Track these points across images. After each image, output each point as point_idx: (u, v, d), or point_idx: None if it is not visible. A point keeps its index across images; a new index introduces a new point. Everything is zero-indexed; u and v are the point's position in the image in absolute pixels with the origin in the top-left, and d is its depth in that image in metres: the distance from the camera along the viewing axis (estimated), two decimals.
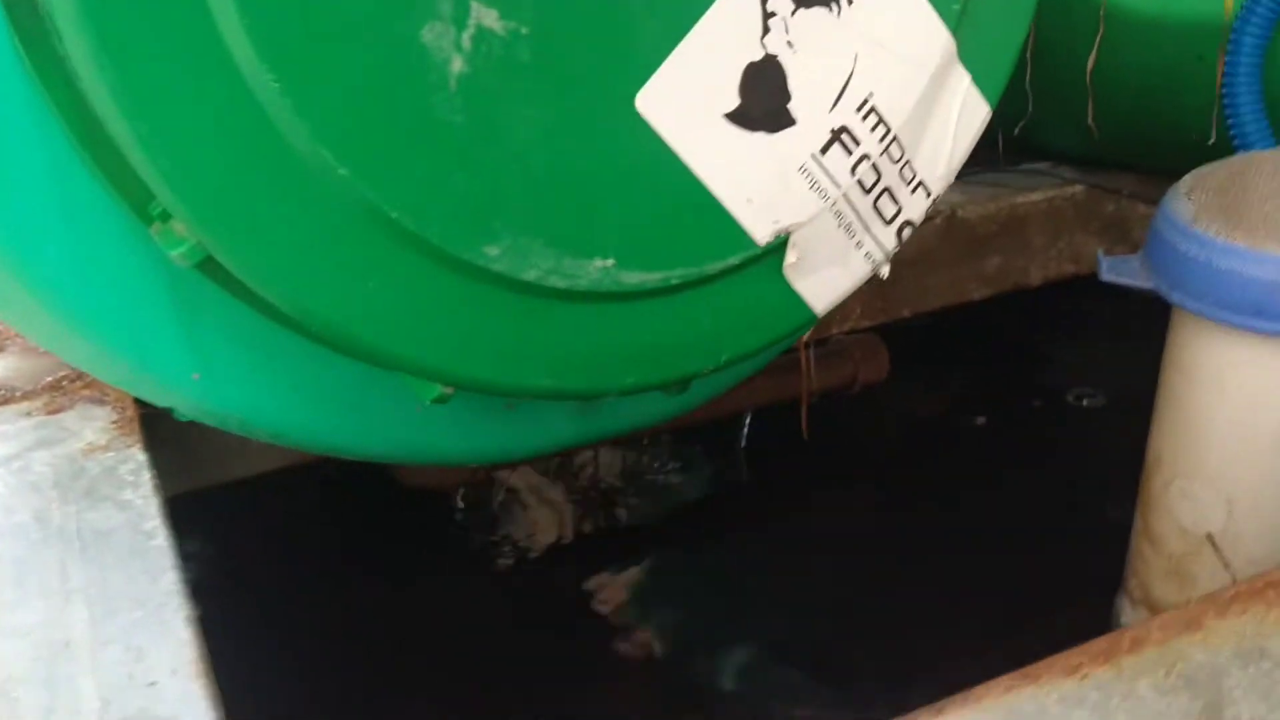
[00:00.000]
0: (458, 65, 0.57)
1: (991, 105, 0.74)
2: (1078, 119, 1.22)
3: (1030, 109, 1.22)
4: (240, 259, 0.56)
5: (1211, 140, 1.15)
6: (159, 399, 0.70)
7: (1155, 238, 0.94)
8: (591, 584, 1.32)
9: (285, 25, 0.52)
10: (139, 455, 0.80)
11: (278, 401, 0.68)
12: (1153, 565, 1.04)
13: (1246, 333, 0.89)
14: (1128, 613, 1.09)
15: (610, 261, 0.63)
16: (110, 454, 0.81)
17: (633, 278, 0.64)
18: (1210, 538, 0.98)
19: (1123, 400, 1.57)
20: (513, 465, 1.38)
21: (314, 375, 0.68)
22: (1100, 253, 0.98)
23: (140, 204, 0.59)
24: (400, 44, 0.55)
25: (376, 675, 1.19)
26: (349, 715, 1.14)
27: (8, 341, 0.99)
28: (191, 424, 0.97)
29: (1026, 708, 0.54)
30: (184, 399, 0.68)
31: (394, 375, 0.64)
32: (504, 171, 0.59)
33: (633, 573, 1.33)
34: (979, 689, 0.56)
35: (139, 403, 0.89)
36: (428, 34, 0.55)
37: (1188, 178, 0.95)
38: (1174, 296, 0.92)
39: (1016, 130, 1.26)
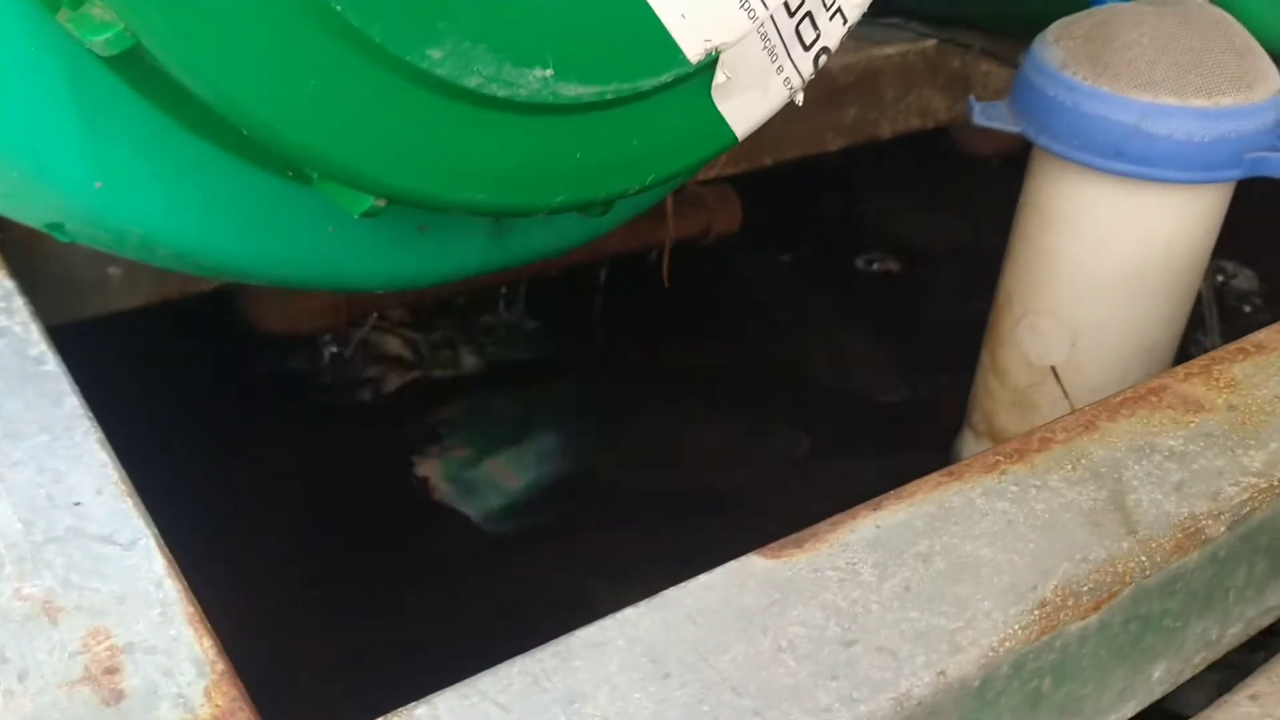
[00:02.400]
0: None
1: None
2: None
3: None
4: (172, 49, 0.52)
5: None
6: (47, 214, 0.65)
7: (1023, 83, 0.99)
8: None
9: None
10: (5, 281, 0.74)
11: (185, 217, 0.64)
12: (998, 398, 1.12)
13: (1104, 175, 0.95)
14: (970, 445, 1.18)
15: (549, 72, 0.62)
16: None
17: (570, 90, 0.63)
18: (1054, 370, 1.06)
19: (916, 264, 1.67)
20: (370, 313, 1.35)
21: (227, 189, 0.64)
22: (971, 97, 1.02)
23: None
24: None
25: (229, 515, 1.16)
26: (202, 548, 1.12)
27: None
28: (46, 255, 0.91)
29: (955, 500, 0.58)
30: (79, 212, 0.63)
31: (311, 192, 0.61)
32: None
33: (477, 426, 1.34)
34: (910, 486, 0.59)
35: None
36: None
37: (1054, 27, 0.99)
38: (1040, 139, 0.97)
39: None
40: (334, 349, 1.35)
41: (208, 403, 1.23)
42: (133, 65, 0.55)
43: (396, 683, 0.99)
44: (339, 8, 0.54)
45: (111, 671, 0.46)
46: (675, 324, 1.50)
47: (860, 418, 1.36)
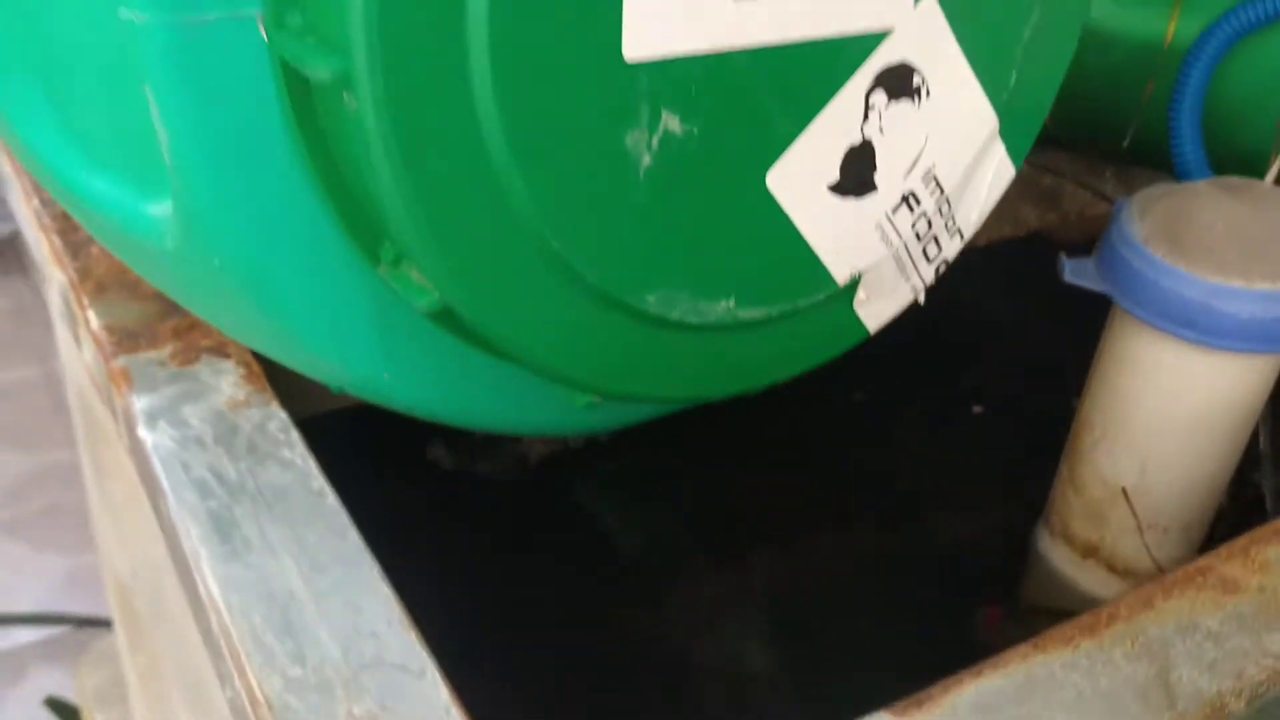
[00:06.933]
0: (646, 160, 0.70)
1: (1017, 168, 0.91)
2: None
3: None
4: (475, 312, 0.70)
5: (1126, 143, 1.35)
6: (334, 384, 0.83)
7: (1110, 249, 1.14)
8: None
9: (536, 140, 0.66)
10: (280, 413, 0.93)
11: (445, 394, 0.83)
12: (1074, 507, 1.27)
13: (1177, 338, 1.10)
14: (1045, 540, 1.33)
15: (732, 302, 0.79)
16: (253, 410, 0.93)
17: (746, 313, 0.81)
18: (1124, 491, 1.21)
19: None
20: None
21: (479, 378, 0.82)
22: (1062, 255, 1.17)
23: (371, 247, 0.72)
24: (609, 149, 0.69)
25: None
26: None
27: (108, 281, 1.08)
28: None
29: (1039, 672, 0.74)
30: (359, 388, 0.82)
31: (548, 385, 0.80)
32: (668, 238, 0.74)
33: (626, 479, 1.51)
34: (1005, 655, 0.76)
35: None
36: (629, 139, 0.69)
37: (1140, 198, 1.14)
38: (1123, 302, 1.12)
39: None
40: None
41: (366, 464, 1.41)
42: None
43: None
44: (590, 277, 0.72)
45: None
46: (758, 420, 1.65)
47: (942, 523, 1.51)
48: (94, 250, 1.12)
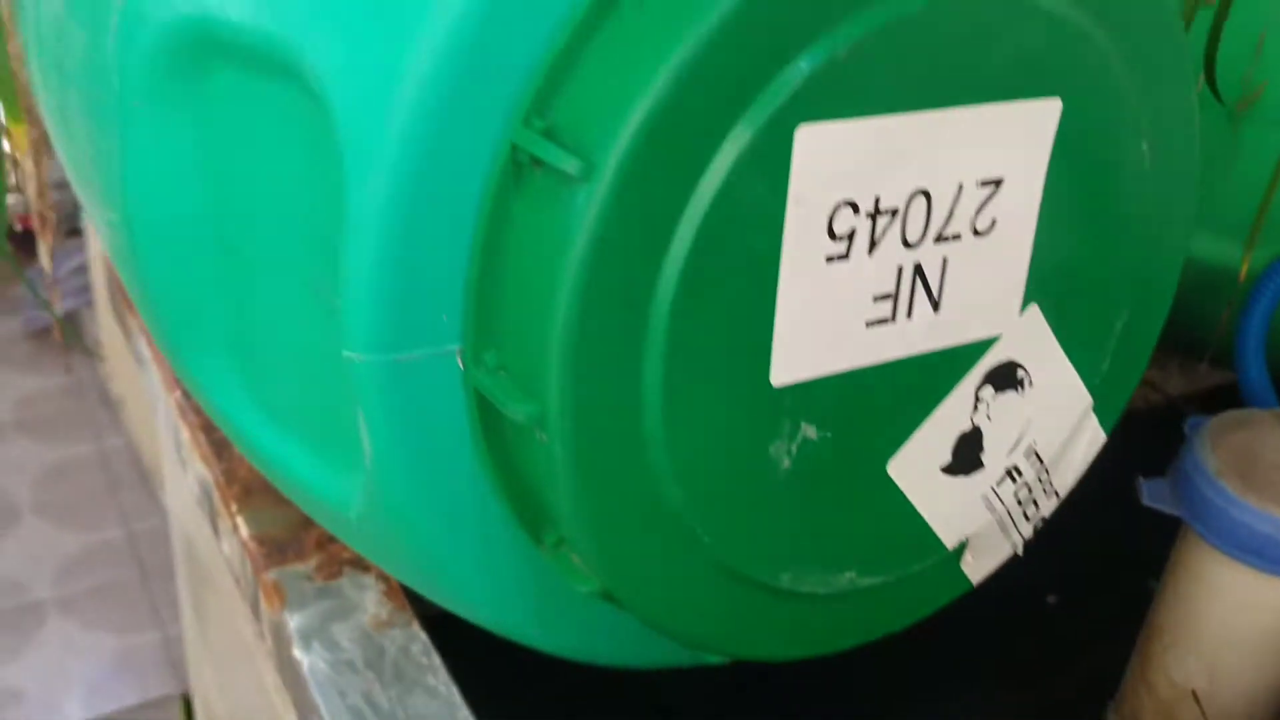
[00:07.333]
0: (785, 464, 0.79)
1: (1107, 435, 0.99)
2: None
3: None
4: (624, 592, 0.78)
5: (1204, 361, 1.43)
6: (483, 625, 0.92)
7: (1184, 477, 1.21)
8: None
9: (694, 457, 0.74)
10: (421, 635, 1.01)
11: (584, 644, 0.91)
12: (1145, 703, 1.33)
13: (1245, 564, 1.17)
14: None
15: (854, 573, 0.87)
16: (396, 630, 1.01)
17: (865, 581, 0.89)
18: (1194, 694, 1.27)
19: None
20: None
21: (620, 635, 0.90)
22: (1140, 479, 1.25)
23: (536, 532, 0.81)
24: (756, 458, 0.77)
25: None
26: None
27: (253, 484, 1.18)
28: None
29: None
30: (510, 634, 0.90)
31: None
32: (802, 525, 0.83)
33: None
34: None
35: None
36: (772, 449, 0.78)
37: (1213, 429, 1.21)
38: (1195, 526, 1.19)
39: None
40: None
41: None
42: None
43: None
44: (731, 563, 0.80)
45: None
46: None
47: (1009, 706, 1.56)
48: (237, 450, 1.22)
